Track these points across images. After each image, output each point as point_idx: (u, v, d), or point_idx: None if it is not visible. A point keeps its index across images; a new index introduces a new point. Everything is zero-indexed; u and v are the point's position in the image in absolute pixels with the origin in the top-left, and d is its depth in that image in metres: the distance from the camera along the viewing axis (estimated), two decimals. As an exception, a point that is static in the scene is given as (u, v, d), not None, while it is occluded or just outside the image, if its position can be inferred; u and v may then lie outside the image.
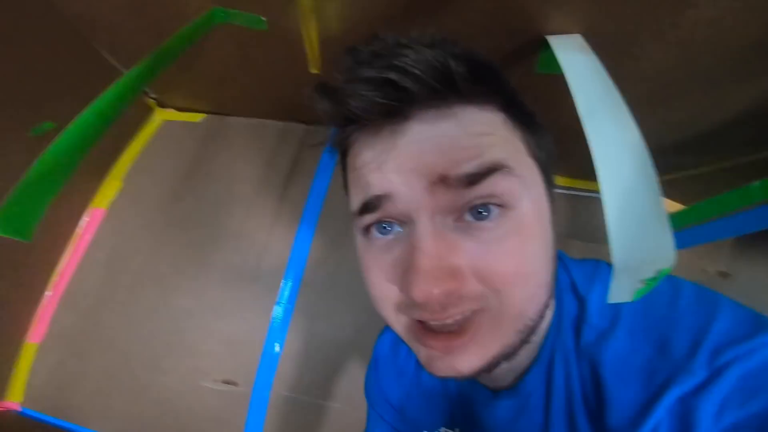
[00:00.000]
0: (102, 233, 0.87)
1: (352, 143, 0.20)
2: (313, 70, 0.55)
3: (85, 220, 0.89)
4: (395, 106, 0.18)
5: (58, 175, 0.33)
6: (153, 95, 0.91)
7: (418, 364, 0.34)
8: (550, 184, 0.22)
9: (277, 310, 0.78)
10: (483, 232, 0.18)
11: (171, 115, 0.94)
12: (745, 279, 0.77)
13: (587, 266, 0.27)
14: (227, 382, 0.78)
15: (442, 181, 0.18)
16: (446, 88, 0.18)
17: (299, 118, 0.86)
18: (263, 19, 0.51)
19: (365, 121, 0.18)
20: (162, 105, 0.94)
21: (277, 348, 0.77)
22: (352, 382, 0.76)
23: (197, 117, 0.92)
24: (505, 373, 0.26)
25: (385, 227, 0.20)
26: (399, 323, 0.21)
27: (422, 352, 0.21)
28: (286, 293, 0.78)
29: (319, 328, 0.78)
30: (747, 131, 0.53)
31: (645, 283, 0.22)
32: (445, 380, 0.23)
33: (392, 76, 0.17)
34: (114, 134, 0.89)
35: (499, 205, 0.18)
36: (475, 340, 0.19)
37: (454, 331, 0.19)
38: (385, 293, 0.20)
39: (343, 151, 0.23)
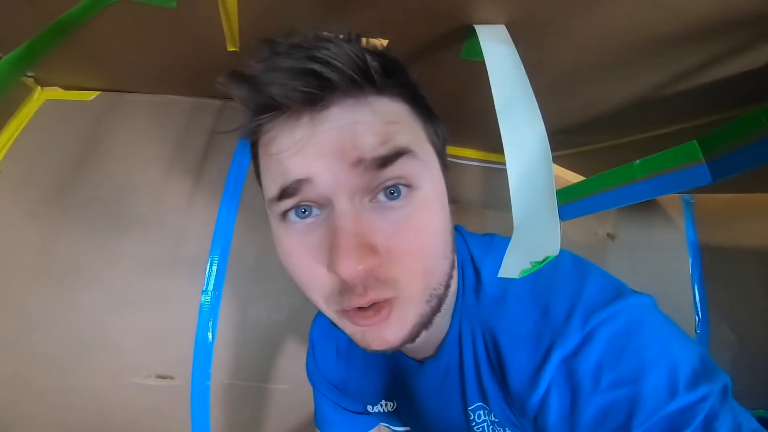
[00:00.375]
0: None
1: (266, 131, 0.21)
2: (231, 48, 0.52)
3: (-48, 214, 0.75)
4: (317, 95, 0.19)
5: None
6: (30, 73, 0.76)
7: (351, 345, 0.36)
8: (445, 167, 0.25)
9: (205, 297, 0.74)
10: (393, 211, 0.20)
11: (56, 93, 0.80)
12: (627, 239, 0.91)
13: (483, 240, 0.30)
14: (162, 377, 0.74)
15: (360, 162, 0.19)
16: (363, 80, 0.19)
17: (214, 94, 0.78)
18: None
19: (285, 108, 0.19)
20: (43, 83, 0.79)
21: (210, 337, 0.75)
22: (294, 361, 0.76)
23: (89, 95, 0.79)
24: (425, 341, 0.28)
25: (303, 211, 0.20)
26: (327, 305, 0.22)
27: (356, 331, 0.22)
28: (212, 280, 0.75)
29: (252, 312, 0.76)
30: (632, 115, 0.61)
31: (532, 264, 0.25)
32: (376, 356, 0.25)
33: (315, 66, 0.18)
34: None
35: (407, 186, 0.20)
36: (393, 313, 0.21)
37: (375, 309, 0.20)
38: (312, 274, 0.21)
39: (254, 141, 0.23)
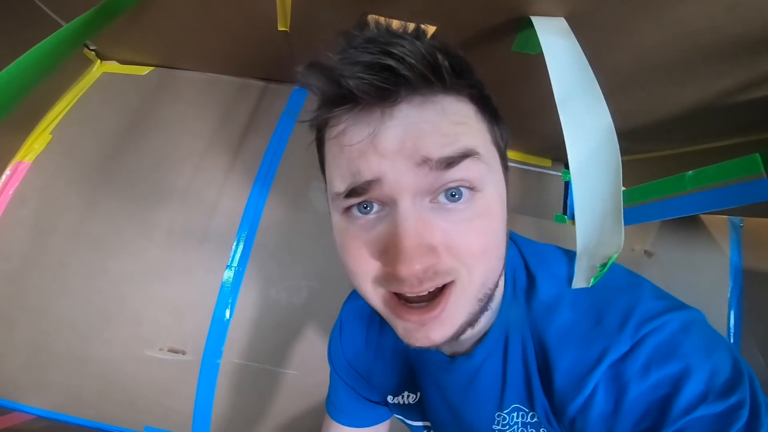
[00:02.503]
0: (26, 189, 0.78)
1: (337, 122, 0.21)
2: (282, 28, 0.53)
3: (6, 174, 0.79)
4: (391, 90, 0.19)
5: None
6: (93, 47, 0.82)
7: (382, 334, 0.36)
8: (506, 169, 0.25)
9: (228, 274, 0.75)
10: (454, 213, 0.20)
11: (113, 67, 0.85)
12: (665, 257, 0.86)
13: (537, 247, 0.30)
14: (174, 351, 0.74)
15: (425, 162, 0.19)
16: (434, 78, 0.19)
17: (258, 75, 0.81)
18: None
19: (360, 101, 0.19)
20: (103, 57, 0.84)
21: (227, 314, 0.75)
22: (307, 348, 0.75)
23: (143, 70, 0.84)
24: (465, 340, 0.28)
25: (365, 207, 0.21)
26: (377, 296, 0.22)
27: (400, 325, 0.22)
28: (238, 256, 0.75)
29: (273, 292, 0.76)
30: (690, 125, 0.58)
31: (599, 270, 0.26)
32: (407, 347, 0.24)
33: (390, 62, 0.18)
34: (46, 86, 0.78)
35: (470, 188, 0.20)
36: (446, 312, 0.21)
37: (428, 305, 0.21)
38: (365, 268, 0.21)
39: (321, 129, 0.23)
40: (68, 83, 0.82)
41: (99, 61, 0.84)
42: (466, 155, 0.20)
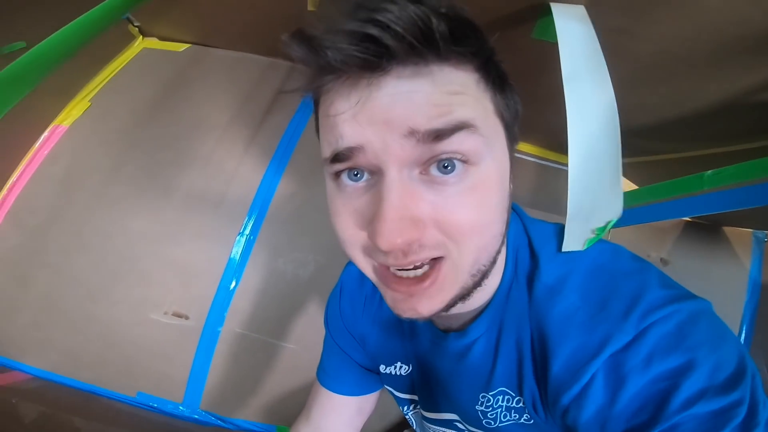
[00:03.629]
0: (60, 149, 0.82)
1: (326, 91, 0.21)
2: (311, 8, 0.55)
3: (44, 135, 0.85)
4: (373, 61, 0.18)
5: (20, 85, 0.32)
6: (137, 23, 0.88)
7: (382, 301, 0.35)
8: (512, 142, 0.23)
9: (239, 242, 0.76)
10: (446, 186, 0.19)
11: (153, 43, 0.91)
12: (681, 266, 0.84)
13: (546, 227, 0.29)
14: (177, 315, 0.75)
15: (412, 134, 0.18)
16: (425, 47, 0.18)
17: (286, 56, 0.85)
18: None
19: (342, 72, 0.19)
20: (145, 33, 0.91)
21: (233, 284, 0.76)
22: (308, 322, 0.75)
23: (180, 47, 0.89)
24: (458, 314, 0.27)
25: (355, 174, 0.21)
26: (367, 265, 0.22)
27: (388, 294, 0.22)
28: (250, 224, 0.77)
29: (280, 264, 0.77)
30: (713, 122, 0.55)
31: (595, 233, 0.25)
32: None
33: (373, 31, 0.17)
34: (90, 57, 0.84)
35: (463, 161, 0.19)
36: (435, 285, 0.20)
37: (417, 278, 0.20)
38: (353, 237, 0.21)
39: (316, 98, 0.23)
40: (111, 56, 0.88)
41: (141, 36, 0.91)
42: (458, 128, 0.19)
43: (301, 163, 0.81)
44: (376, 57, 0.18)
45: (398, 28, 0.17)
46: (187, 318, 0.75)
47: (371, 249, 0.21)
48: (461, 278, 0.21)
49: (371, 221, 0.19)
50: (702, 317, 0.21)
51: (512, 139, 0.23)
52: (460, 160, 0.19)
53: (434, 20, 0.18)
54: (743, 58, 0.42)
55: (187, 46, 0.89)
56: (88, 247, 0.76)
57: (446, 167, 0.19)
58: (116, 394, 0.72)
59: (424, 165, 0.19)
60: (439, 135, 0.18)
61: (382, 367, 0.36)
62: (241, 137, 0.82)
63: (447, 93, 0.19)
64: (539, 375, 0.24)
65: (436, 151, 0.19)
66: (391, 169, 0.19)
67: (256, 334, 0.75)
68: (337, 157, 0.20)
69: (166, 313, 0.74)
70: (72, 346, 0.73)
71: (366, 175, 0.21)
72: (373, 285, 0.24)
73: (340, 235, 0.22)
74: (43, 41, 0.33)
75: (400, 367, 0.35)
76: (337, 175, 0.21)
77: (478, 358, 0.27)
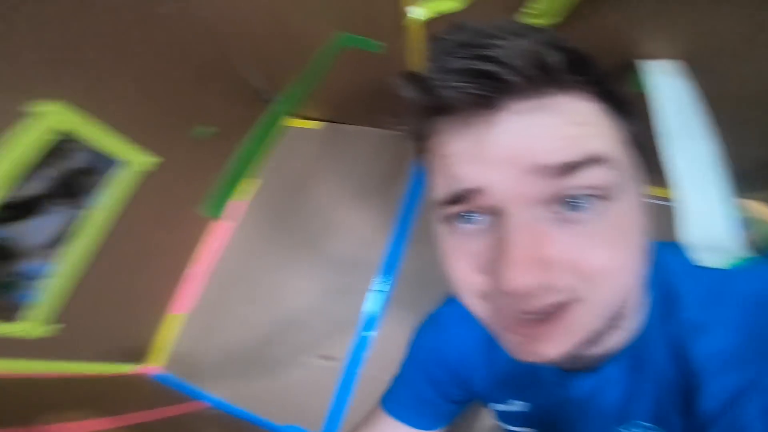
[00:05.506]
0: (245, 222, 1.08)
1: (438, 132, 0.20)
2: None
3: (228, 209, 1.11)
4: (489, 98, 0.17)
5: (238, 177, 0.47)
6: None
7: (490, 338, 0.32)
8: (644, 173, 0.22)
9: (375, 296, 0.86)
10: (578, 224, 0.18)
11: (298, 123, 1.12)
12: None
13: (677, 252, 0.27)
14: (326, 357, 0.89)
15: (537, 170, 0.17)
16: (541, 78, 0.17)
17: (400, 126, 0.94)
18: (380, 43, 0.63)
19: (456, 111, 0.18)
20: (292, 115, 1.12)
21: (371, 332, 0.86)
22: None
23: (319, 125, 1.08)
24: (587, 356, 0.25)
25: (471, 215, 0.19)
26: (483, 310, 0.21)
27: (508, 338, 0.21)
28: (386, 284, 0.86)
29: (411, 317, 0.83)
30: None
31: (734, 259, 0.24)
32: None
33: (486, 66, 0.16)
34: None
35: (597, 197, 0.18)
36: (563, 327, 0.19)
37: (542, 318, 0.19)
38: (468, 281, 0.20)
39: (426, 140, 0.22)
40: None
41: (289, 118, 1.12)
42: (589, 160, 0.17)
43: (420, 224, 0.88)
44: (492, 93, 0.17)
45: (514, 62, 0.16)
46: (335, 359, 0.88)
47: (490, 294, 0.19)
48: (593, 321, 0.19)
49: (494, 265, 0.18)
50: None
51: (644, 170, 0.21)
52: (596, 196, 0.18)
53: (546, 50, 0.17)
54: None
55: (323, 124, 1.07)
56: (259, 301, 0.97)
57: (577, 204, 0.17)
58: (270, 423, 0.85)
59: (550, 203, 0.18)
60: (567, 169, 0.17)
61: (491, 404, 0.34)
62: (370, 205, 0.94)
63: (573, 124, 0.18)
64: (683, 410, 0.23)
65: (564, 186, 0.17)
66: (515, 208, 0.18)
67: (387, 376, 0.83)
68: (453, 200, 0.19)
69: (316, 356, 0.89)
70: (243, 380, 0.91)
71: (483, 217, 0.19)
72: (477, 323, 0.22)
73: (455, 279, 0.21)
74: (248, 142, 0.48)
75: (514, 403, 0.32)
76: (449, 218, 0.20)
77: (613, 395, 0.25)
